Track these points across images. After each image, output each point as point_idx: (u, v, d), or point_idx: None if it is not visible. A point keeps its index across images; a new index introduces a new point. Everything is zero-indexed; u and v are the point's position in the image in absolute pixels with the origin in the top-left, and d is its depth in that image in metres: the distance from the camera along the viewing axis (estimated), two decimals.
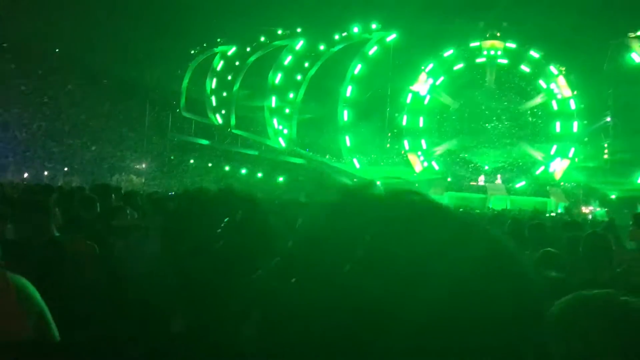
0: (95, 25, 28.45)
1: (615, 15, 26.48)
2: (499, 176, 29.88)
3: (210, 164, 30.86)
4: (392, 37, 30.23)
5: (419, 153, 30.85)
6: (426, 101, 30.78)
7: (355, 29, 30.54)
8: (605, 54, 27.48)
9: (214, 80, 31.72)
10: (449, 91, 30.54)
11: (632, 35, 28.08)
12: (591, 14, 26.06)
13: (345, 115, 30.30)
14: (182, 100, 31.61)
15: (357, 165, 29.91)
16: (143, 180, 30.03)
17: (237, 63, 31.21)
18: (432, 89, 30.50)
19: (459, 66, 30.14)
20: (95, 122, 29.23)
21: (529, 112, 30.13)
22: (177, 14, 28.01)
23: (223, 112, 31.57)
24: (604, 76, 27.81)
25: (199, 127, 31.26)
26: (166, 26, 28.71)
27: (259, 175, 30.02)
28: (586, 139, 29.01)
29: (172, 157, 31.85)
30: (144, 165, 31.37)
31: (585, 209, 27.60)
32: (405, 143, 31.01)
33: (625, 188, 26.73)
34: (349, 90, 30.31)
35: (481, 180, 30.01)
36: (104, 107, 29.15)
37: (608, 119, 28.60)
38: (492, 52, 29.48)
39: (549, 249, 3.98)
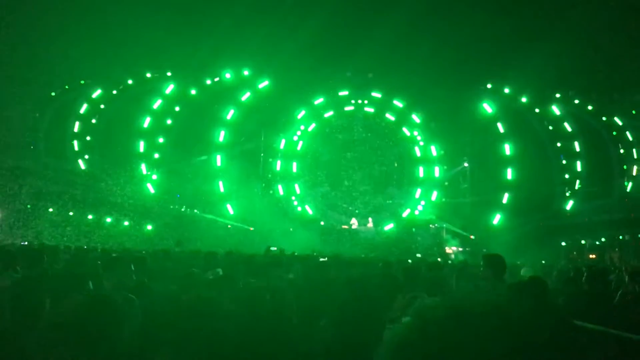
0: None
1: (470, 68, 28.88)
2: (370, 219, 30.89)
3: (71, 213, 28.75)
4: (264, 83, 30.56)
5: (293, 198, 31.15)
6: (299, 147, 31.35)
7: (228, 75, 30.57)
8: (462, 104, 29.63)
9: (77, 123, 30.00)
10: (320, 137, 31.34)
11: (485, 86, 30.69)
12: (448, 67, 28.24)
13: (218, 160, 29.84)
14: (42, 145, 29.51)
15: (231, 212, 29.43)
16: None
17: (102, 106, 29.85)
18: (304, 135, 31.16)
19: (329, 113, 31.13)
20: None
21: (394, 157, 31.62)
22: (36, 53, 26.35)
23: (87, 157, 29.85)
24: (461, 124, 29.88)
25: (60, 173, 29.20)
26: (23, 65, 26.91)
27: (126, 223, 28.48)
28: (447, 183, 30.87)
29: (28, 206, 29.29)
30: None
31: (448, 250, 29.20)
32: (280, 188, 31.21)
33: (482, 228, 28.71)
34: (221, 135, 29.96)
35: (354, 223, 30.82)
36: None
37: (465, 164, 30.71)
38: (360, 101, 30.80)
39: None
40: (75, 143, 30.07)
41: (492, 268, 5.66)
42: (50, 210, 28.84)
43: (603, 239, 29.06)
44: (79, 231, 27.74)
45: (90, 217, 28.66)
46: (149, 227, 28.57)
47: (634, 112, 29.49)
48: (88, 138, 30.01)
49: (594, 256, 28.79)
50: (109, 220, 28.92)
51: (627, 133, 29.90)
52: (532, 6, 26.03)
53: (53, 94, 30.29)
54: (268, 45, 28.00)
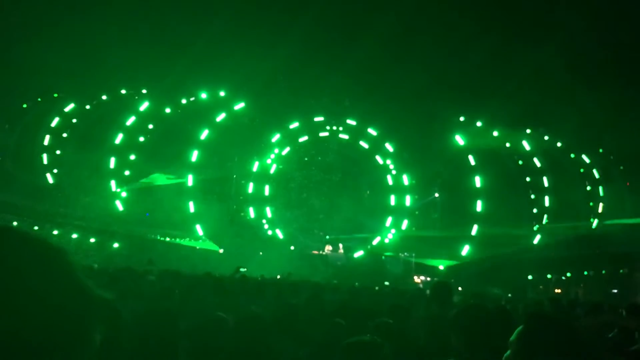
0: None
1: (444, 100, 29.32)
2: (340, 245, 30.78)
3: (36, 227, 28.08)
4: (240, 105, 30.56)
5: (264, 221, 30.96)
6: (272, 170, 31.29)
7: (203, 95, 30.53)
8: (434, 135, 29.99)
9: (48, 137, 29.54)
10: (294, 162, 31.35)
11: (457, 119, 31.14)
12: (422, 98, 28.69)
13: (190, 180, 29.57)
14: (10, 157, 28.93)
15: (200, 232, 29.10)
16: None
17: (74, 120, 29.49)
18: (278, 159, 31.15)
19: (303, 138, 31.20)
20: None
21: (367, 185, 31.74)
22: (9, 65, 25.99)
23: (55, 171, 29.33)
24: (433, 155, 30.21)
25: (26, 186, 28.60)
26: None
27: (92, 240, 27.94)
28: (417, 212, 31.02)
29: None
30: None
31: (417, 279, 29.22)
32: (251, 211, 31.02)
33: (451, 259, 28.84)
34: (194, 155, 29.75)
35: (326, 249, 30.66)
36: None
37: (436, 194, 30.96)
38: (335, 127, 30.97)
39: None
40: (45, 156, 29.55)
41: (437, 294, 5.88)
42: (15, 224, 28.16)
43: (569, 274, 29.40)
44: None
45: (55, 232, 28.02)
46: (115, 245, 28.06)
47: (600, 150, 30.19)
48: (58, 152, 29.54)
49: (559, 291, 29.08)
50: (74, 236, 28.32)
51: (594, 171, 30.54)
52: (507, 42, 26.64)
53: (25, 105, 29.84)
54: (245, 67, 28.10)
